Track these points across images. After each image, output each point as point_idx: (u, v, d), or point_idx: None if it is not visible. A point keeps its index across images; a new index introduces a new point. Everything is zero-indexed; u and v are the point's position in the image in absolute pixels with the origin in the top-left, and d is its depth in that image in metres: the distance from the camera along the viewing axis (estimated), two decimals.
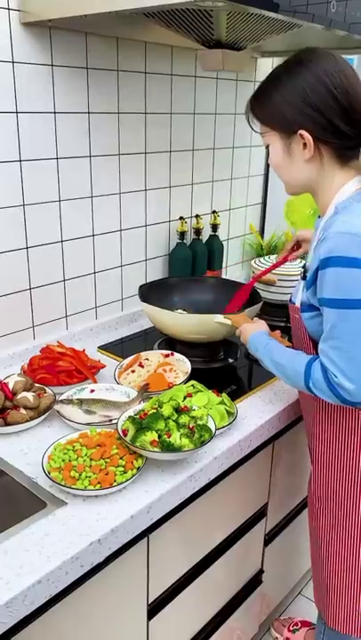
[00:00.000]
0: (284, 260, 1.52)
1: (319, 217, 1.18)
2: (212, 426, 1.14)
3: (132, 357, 1.47)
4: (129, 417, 1.15)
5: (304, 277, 1.15)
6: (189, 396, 1.24)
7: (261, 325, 1.32)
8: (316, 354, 1.12)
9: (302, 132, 1.05)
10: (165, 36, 1.55)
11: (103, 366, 1.46)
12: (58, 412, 1.23)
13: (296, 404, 1.37)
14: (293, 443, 1.51)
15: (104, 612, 1.03)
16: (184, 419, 1.12)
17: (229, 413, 1.26)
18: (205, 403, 1.24)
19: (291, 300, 1.22)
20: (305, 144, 1.06)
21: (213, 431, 1.12)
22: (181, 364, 1.44)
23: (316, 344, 1.14)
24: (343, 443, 1.16)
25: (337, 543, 1.22)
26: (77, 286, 1.64)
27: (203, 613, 1.37)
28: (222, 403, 1.27)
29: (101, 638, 1.05)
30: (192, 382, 1.32)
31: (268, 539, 1.56)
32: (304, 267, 1.17)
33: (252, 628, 1.62)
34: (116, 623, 1.07)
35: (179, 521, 1.15)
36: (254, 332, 1.28)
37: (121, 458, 1.07)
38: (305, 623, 1.72)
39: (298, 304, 1.17)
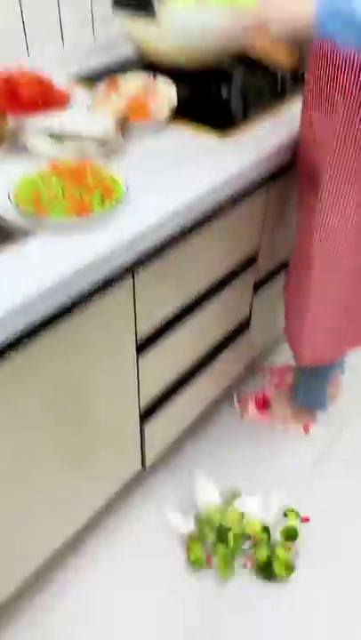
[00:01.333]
0: None
1: None
2: None
3: (106, 82, 1.24)
4: None
5: None
6: None
7: None
8: None
9: None
10: None
11: (72, 95, 1.24)
12: (24, 144, 1.06)
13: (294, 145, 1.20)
14: (290, 189, 1.38)
15: (93, 347, 1.01)
16: None
17: None
18: None
19: None
20: None
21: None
22: (166, 91, 1.22)
23: None
24: None
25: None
26: None
27: (191, 354, 1.39)
28: None
29: (91, 371, 1.05)
30: None
31: (258, 285, 1.52)
32: None
33: (237, 369, 1.69)
34: (106, 357, 1.07)
35: (166, 260, 1.07)
36: None
37: (98, 188, 0.93)
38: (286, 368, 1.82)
39: None
